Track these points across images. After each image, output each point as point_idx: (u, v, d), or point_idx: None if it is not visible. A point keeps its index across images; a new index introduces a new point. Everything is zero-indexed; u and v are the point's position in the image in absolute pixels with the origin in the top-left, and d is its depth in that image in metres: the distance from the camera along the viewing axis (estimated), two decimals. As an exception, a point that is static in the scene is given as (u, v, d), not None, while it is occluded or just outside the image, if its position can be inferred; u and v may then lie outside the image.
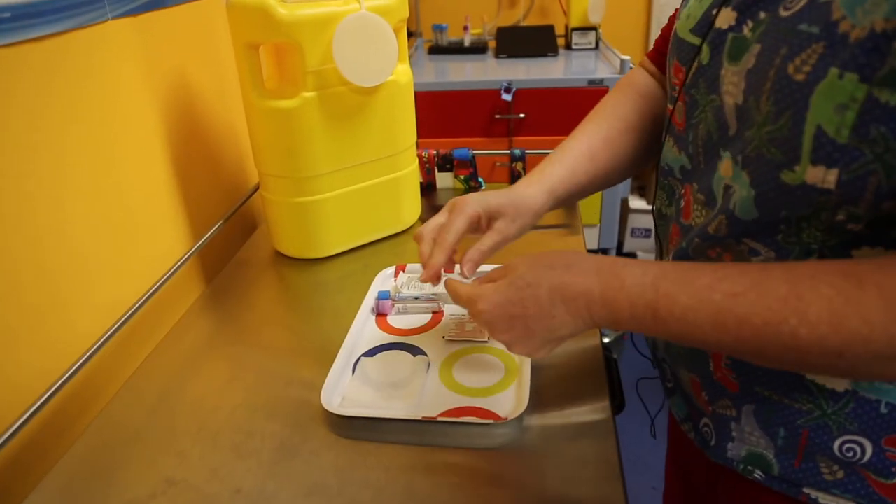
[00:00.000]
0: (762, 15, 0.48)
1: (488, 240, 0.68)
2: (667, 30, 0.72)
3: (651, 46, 0.76)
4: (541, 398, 0.67)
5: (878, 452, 0.52)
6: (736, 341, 0.46)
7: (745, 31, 0.50)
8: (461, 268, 0.67)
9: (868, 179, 0.43)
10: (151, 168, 0.90)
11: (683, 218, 0.61)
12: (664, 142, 0.64)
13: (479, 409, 0.67)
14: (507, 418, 0.64)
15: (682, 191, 0.61)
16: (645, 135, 0.73)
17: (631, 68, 0.77)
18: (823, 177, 0.44)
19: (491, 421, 0.64)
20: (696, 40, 0.56)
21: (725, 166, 0.52)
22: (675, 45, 0.61)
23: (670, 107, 0.62)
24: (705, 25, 0.55)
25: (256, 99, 0.88)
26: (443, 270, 0.67)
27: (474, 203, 0.68)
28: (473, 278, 0.64)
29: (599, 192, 2.15)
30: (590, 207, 2.19)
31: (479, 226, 0.69)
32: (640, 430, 1.09)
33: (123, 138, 0.83)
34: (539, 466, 0.60)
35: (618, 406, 0.69)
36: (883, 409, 0.51)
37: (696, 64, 0.56)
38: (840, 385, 0.52)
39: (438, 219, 0.69)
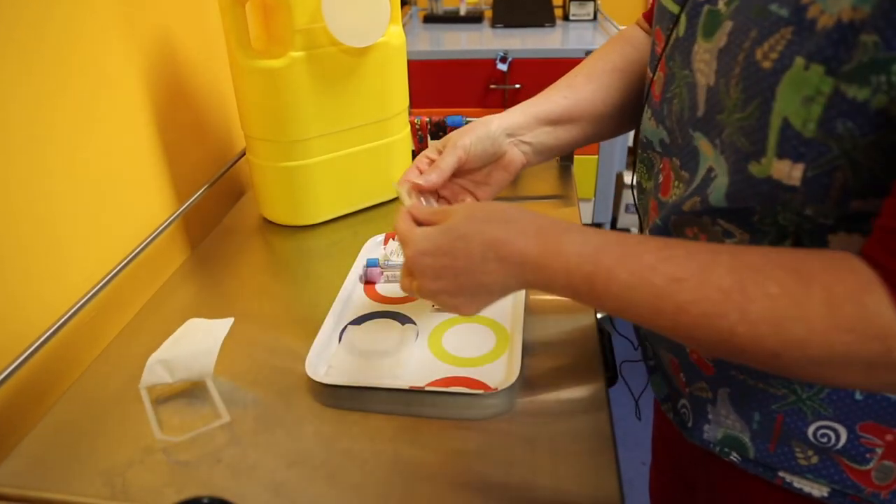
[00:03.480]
0: None
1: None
2: None
3: None
4: (532, 369, 0.66)
5: (853, 439, 0.51)
6: (672, 326, 0.44)
7: (721, 4, 0.47)
8: None
9: (834, 176, 0.41)
10: (133, 130, 0.87)
11: (661, 193, 0.59)
12: (644, 112, 0.61)
13: (469, 378, 0.65)
14: (497, 388, 0.62)
15: (661, 165, 0.59)
16: (632, 77, 0.69)
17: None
18: (789, 172, 0.42)
19: (480, 391, 0.63)
20: (675, 8, 0.53)
21: (706, 147, 0.50)
22: (658, 11, 0.58)
23: (651, 75, 0.60)
24: None
25: (242, 58, 0.85)
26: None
27: (466, 143, 0.65)
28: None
29: (594, 167, 2.14)
30: (584, 182, 2.17)
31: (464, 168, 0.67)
32: (629, 407, 1.08)
33: (104, 98, 0.80)
34: (529, 438, 0.58)
35: (610, 378, 0.68)
36: (857, 396, 0.50)
37: (674, 34, 0.54)
38: None
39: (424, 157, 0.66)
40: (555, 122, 0.68)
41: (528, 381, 0.64)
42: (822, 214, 0.44)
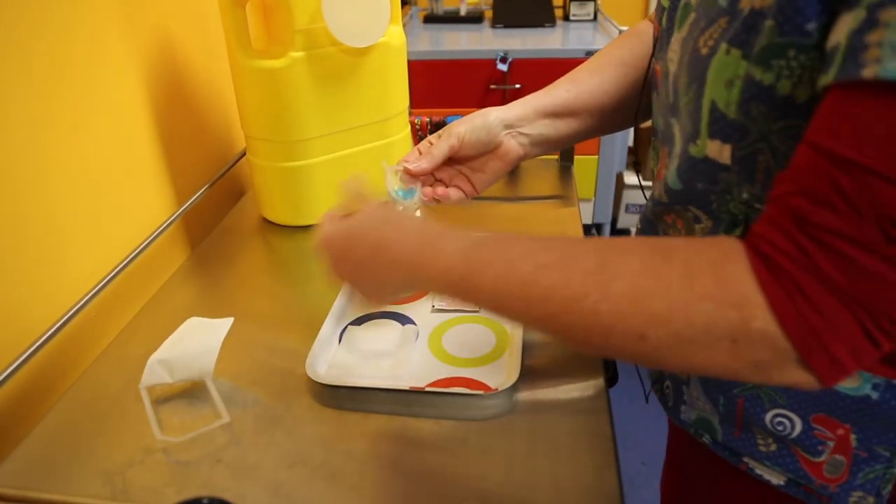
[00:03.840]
0: None
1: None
2: None
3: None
4: (532, 370, 0.65)
5: (807, 429, 0.53)
6: (544, 317, 0.44)
7: None
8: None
9: (757, 159, 0.44)
10: (133, 130, 0.87)
11: (657, 181, 0.61)
12: (654, 100, 0.63)
13: (469, 379, 0.65)
14: (497, 389, 0.62)
15: (662, 152, 0.61)
16: (639, 70, 0.70)
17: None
18: (720, 151, 0.45)
19: (481, 392, 0.63)
20: (666, 2, 0.56)
21: (678, 132, 0.53)
22: (657, 5, 0.60)
23: (652, 65, 0.61)
24: None
25: (243, 58, 0.85)
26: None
27: (463, 131, 0.68)
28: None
29: (595, 167, 2.14)
30: (584, 181, 2.17)
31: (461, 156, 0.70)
32: (631, 406, 1.08)
33: (104, 98, 0.80)
34: (530, 438, 0.58)
35: (610, 379, 0.68)
36: None
37: (662, 27, 0.56)
38: None
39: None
40: (555, 114, 0.69)
41: (528, 381, 0.64)
42: (757, 199, 0.46)
